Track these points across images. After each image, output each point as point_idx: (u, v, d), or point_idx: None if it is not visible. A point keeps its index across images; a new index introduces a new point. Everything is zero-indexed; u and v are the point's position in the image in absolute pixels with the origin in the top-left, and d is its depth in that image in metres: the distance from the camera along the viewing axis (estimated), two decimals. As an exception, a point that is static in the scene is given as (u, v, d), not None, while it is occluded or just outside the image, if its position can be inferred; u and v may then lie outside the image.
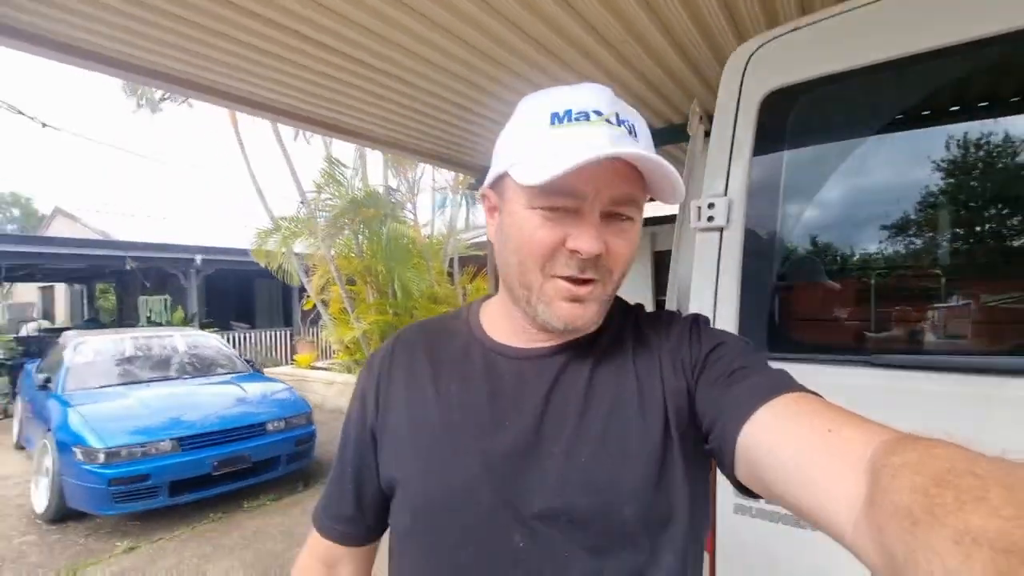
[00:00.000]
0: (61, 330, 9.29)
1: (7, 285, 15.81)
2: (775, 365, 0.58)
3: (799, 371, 0.58)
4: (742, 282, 1.25)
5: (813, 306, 1.41)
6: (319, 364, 9.58)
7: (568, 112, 0.54)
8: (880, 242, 1.33)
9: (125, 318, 12.85)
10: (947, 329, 1.23)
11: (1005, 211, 1.29)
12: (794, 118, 1.29)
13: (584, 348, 0.62)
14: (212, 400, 4.56)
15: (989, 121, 1.24)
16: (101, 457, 3.54)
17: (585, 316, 0.58)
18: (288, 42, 2.20)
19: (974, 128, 1.23)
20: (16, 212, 41.24)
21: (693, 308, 1.34)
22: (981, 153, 1.22)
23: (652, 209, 7.98)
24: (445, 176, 9.30)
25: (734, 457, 0.50)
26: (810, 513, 0.41)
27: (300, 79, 2.57)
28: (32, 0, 1.86)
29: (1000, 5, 1.00)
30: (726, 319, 1.26)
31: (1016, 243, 1.26)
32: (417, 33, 2.15)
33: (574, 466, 0.56)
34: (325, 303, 8.72)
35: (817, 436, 0.43)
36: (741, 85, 1.29)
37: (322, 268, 8.26)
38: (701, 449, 0.57)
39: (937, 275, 1.31)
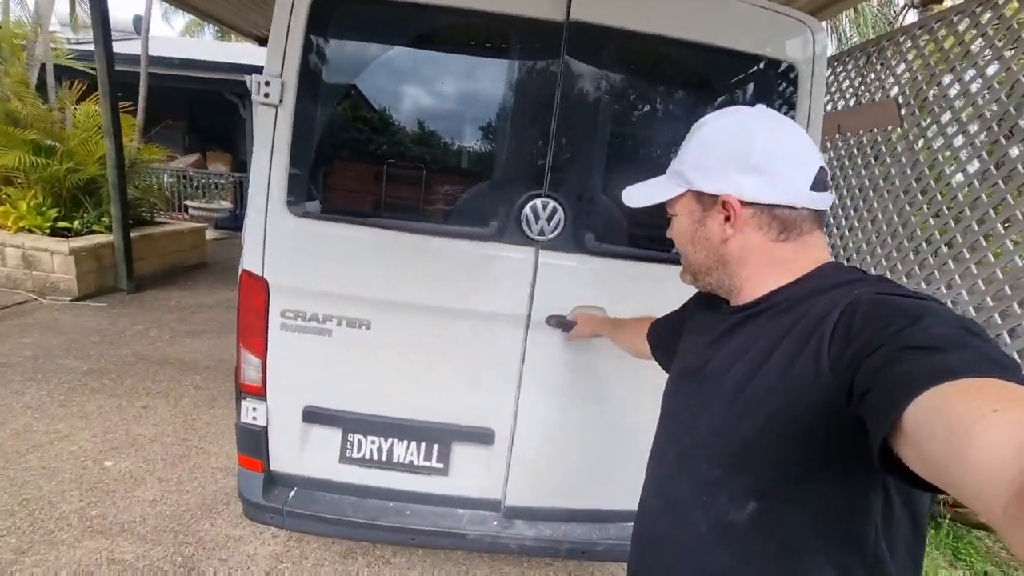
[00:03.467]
0: None
1: None
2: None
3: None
4: (291, 152, 1.61)
5: (343, 180, 1.87)
6: None
7: None
8: (394, 135, 1.80)
9: None
10: (427, 206, 1.82)
11: (473, 128, 1.90)
12: (337, 23, 1.63)
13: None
14: None
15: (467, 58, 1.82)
16: None
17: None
18: None
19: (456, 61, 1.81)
20: None
21: (256, 162, 1.63)
22: (460, 82, 1.81)
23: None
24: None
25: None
26: (958, 488, 0.41)
27: None
28: None
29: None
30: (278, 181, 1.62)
31: (468, 151, 1.86)
32: None
33: None
34: None
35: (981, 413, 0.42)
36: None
37: None
38: None
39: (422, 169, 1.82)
